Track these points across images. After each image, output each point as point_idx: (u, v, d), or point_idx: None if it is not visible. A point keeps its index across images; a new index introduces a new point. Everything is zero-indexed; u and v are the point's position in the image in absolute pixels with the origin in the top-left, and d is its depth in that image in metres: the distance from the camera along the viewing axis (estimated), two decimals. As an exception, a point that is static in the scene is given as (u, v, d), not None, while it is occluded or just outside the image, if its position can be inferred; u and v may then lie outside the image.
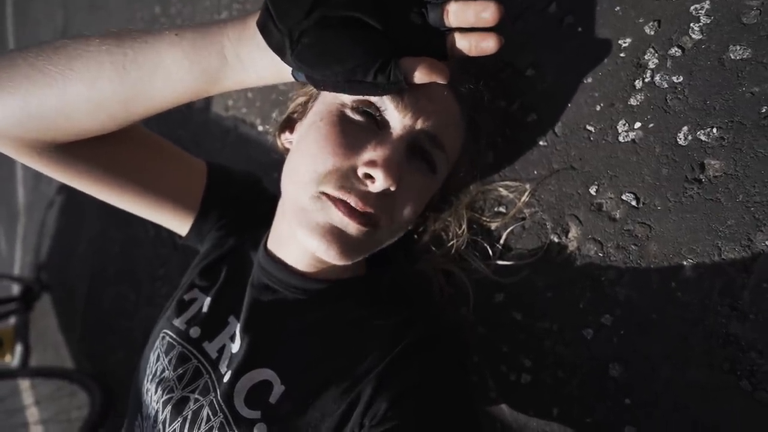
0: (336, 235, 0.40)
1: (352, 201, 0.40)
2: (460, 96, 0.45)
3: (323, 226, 0.40)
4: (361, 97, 0.41)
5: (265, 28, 0.34)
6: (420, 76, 0.34)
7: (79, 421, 1.37)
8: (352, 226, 0.40)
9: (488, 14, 0.33)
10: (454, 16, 0.34)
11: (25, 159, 0.45)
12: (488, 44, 0.35)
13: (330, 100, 0.43)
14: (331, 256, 0.41)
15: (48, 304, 1.93)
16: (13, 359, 2.06)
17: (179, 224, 0.56)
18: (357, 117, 0.41)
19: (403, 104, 0.40)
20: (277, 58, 0.34)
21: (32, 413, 1.88)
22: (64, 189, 1.85)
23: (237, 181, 0.59)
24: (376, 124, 0.41)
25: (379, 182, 0.39)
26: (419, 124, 0.41)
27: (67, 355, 1.67)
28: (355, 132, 0.41)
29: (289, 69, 0.36)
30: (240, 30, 0.36)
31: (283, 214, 0.49)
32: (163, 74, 0.37)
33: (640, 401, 0.42)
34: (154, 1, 1.28)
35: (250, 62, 0.36)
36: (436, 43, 0.36)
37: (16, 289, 2.19)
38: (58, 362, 1.70)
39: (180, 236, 0.58)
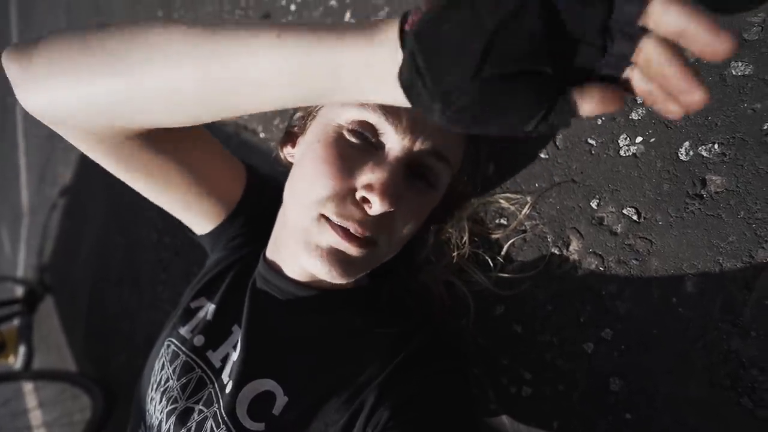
0: (336, 257, 0.41)
1: (351, 228, 0.40)
2: None
3: (324, 248, 0.41)
4: (359, 119, 0.41)
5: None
6: (591, 109, 0.25)
7: (81, 424, 1.37)
8: (351, 249, 0.41)
9: (697, 97, 0.24)
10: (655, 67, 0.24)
11: (83, 146, 0.43)
12: (695, 100, 0.24)
13: (327, 120, 0.43)
14: (333, 277, 0.41)
15: (51, 306, 1.93)
16: (17, 361, 2.07)
17: (203, 222, 0.55)
18: (354, 138, 0.42)
19: (402, 127, 0.40)
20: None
21: (36, 416, 1.89)
22: (68, 191, 1.85)
23: (269, 192, 0.58)
24: (374, 145, 0.42)
25: (376, 206, 0.39)
26: (418, 145, 0.41)
27: (70, 357, 1.68)
28: (353, 154, 0.41)
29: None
30: (368, 55, 0.27)
31: (283, 226, 0.50)
32: (255, 82, 0.31)
33: (640, 416, 0.42)
34: (156, 5, 1.28)
35: (372, 92, 0.29)
36: (611, 69, 0.25)
37: (19, 291, 2.20)
38: (61, 364, 1.71)
39: (193, 232, 0.57)
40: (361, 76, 0.28)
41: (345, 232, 0.40)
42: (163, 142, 0.45)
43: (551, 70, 0.24)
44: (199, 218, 0.54)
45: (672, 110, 0.25)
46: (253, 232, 0.57)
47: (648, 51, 0.23)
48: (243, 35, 0.30)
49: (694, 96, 0.24)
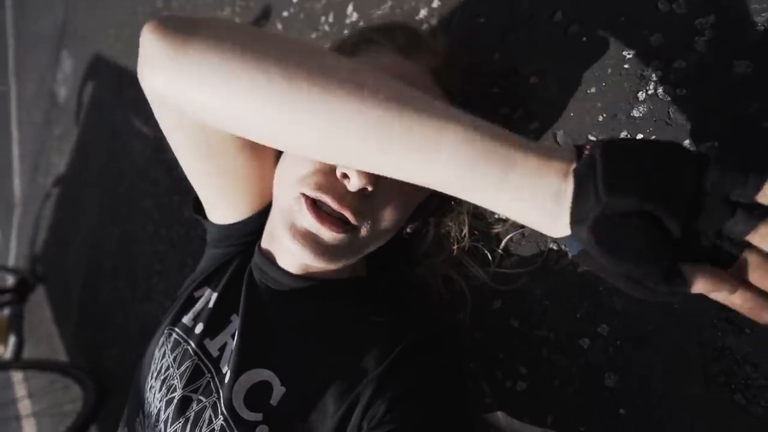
0: (310, 240, 0.41)
1: (328, 199, 0.40)
2: (454, 101, 0.45)
3: (299, 229, 0.42)
4: None
5: (582, 184, 0.27)
6: (703, 287, 0.27)
7: (72, 414, 1.36)
8: (324, 232, 0.41)
9: None
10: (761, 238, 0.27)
11: (172, 124, 0.41)
12: None
13: None
14: (307, 258, 0.42)
15: (43, 296, 1.92)
16: (6, 351, 2.05)
17: (229, 211, 0.52)
18: None
19: None
20: (554, 215, 0.29)
21: (24, 406, 1.87)
22: (61, 181, 1.84)
23: None
24: None
25: (354, 180, 0.39)
26: None
27: (61, 348, 1.66)
28: None
29: (557, 233, 0.30)
30: (540, 163, 0.29)
31: (273, 216, 0.50)
32: (425, 161, 0.30)
33: (634, 412, 0.42)
34: (156, -5, 1.27)
35: (526, 200, 0.29)
36: (724, 252, 0.28)
37: (10, 280, 2.18)
38: (52, 355, 1.70)
39: (202, 215, 0.55)
40: (522, 177, 0.29)
41: (319, 215, 0.41)
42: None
43: (679, 233, 0.27)
44: (227, 206, 0.52)
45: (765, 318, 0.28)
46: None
47: (747, 260, 0.27)
48: (430, 130, 0.30)
49: None
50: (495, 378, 0.52)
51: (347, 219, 0.41)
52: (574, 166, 0.29)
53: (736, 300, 0.28)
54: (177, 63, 0.32)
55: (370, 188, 0.40)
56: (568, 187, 0.28)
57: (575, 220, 0.28)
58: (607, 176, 0.27)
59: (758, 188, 0.26)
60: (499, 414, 0.52)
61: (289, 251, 0.43)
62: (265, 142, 0.35)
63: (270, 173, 0.49)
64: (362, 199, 0.41)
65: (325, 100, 0.30)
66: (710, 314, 0.39)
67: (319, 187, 0.40)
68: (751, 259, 0.27)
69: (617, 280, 0.29)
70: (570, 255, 0.31)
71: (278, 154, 0.50)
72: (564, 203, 0.29)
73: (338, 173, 0.40)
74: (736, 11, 0.39)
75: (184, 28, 0.32)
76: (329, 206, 0.41)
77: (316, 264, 0.43)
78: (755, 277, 0.27)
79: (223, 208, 0.53)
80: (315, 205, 0.41)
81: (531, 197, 0.29)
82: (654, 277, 0.27)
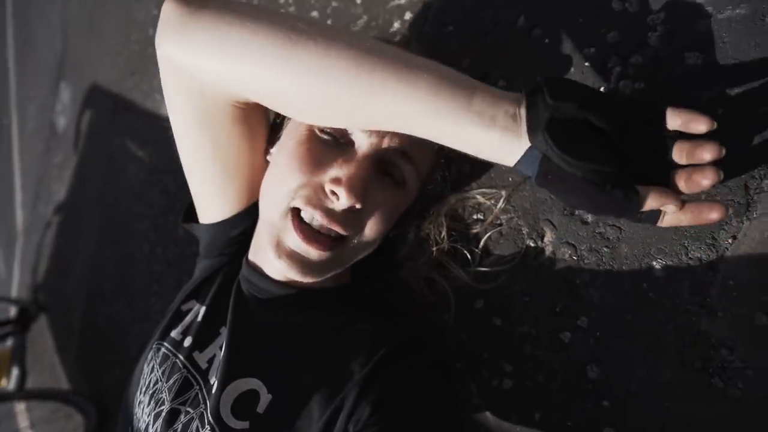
0: (296, 260, 0.42)
1: (318, 215, 0.41)
2: None
3: (286, 249, 0.43)
4: None
5: (532, 98, 0.35)
6: (654, 202, 0.34)
7: (73, 442, 1.35)
8: (312, 252, 0.42)
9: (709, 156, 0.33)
10: (689, 156, 0.34)
11: (183, 93, 0.43)
12: (707, 182, 0.33)
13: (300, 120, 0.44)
14: (294, 275, 0.43)
15: (44, 324, 1.92)
16: (9, 383, 2.04)
17: (219, 207, 0.53)
18: (325, 136, 0.43)
19: None
20: (512, 133, 0.34)
21: (27, 436, 1.85)
22: (62, 209, 1.86)
23: None
24: (345, 142, 0.43)
25: (343, 200, 0.40)
26: (386, 143, 0.43)
27: (63, 375, 1.66)
28: (323, 149, 0.43)
29: (517, 154, 0.35)
30: (497, 93, 0.36)
31: (260, 228, 0.50)
32: (401, 93, 0.35)
33: (617, 402, 0.42)
34: (148, 24, 1.32)
35: (487, 124, 0.35)
36: (658, 168, 0.35)
37: (13, 311, 2.18)
38: (54, 383, 1.69)
39: (194, 221, 0.56)
40: (484, 106, 0.35)
41: (306, 235, 0.41)
42: (251, 116, 0.46)
43: (617, 140, 0.34)
44: (216, 197, 0.52)
45: (707, 183, 0.33)
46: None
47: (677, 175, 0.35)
48: (405, 72, 0.35)
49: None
50: (481, 377, 0.52)
51: (335, 234, 0.42)
52: (523, 94, 0.36)
53: (682, 216, 0.34)
54: (188, 28, 0.37)
55: (358, 206, 0.41)
56: (522, 110, 0.35)
57: (531, 127, 0.34)
58: (550, 88, 0.34)
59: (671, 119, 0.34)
60: (488, 414, 0.51)
61: (276, 267, 0.44)
62: (263, 95, 0.39)
63: (260, 164, 0.50)
64: (350, 213, 0.42)
65: (325, 56, 0.35)
66: (684, 300, 0.40)
67: (308, 201, 0.41)
68: (680, 173, 0.34)
69: (577, 196, 0.35)
70: (532, 180, 0.36)
71: (269, 141, 0.50)
72: (520, 122, 0.34)
73: (327, 190, 0.41)
74: (684, 6, 0.41)
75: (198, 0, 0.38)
76: (318, 221, 0.42)
77: (302, 280, 0.43)
78: (688, 186, 0.34)
79: (212, 200, 0.53)
80: (302, 223, 0.42)
81: (491, 120, 0.35)
82: (609, 178, 0.33)
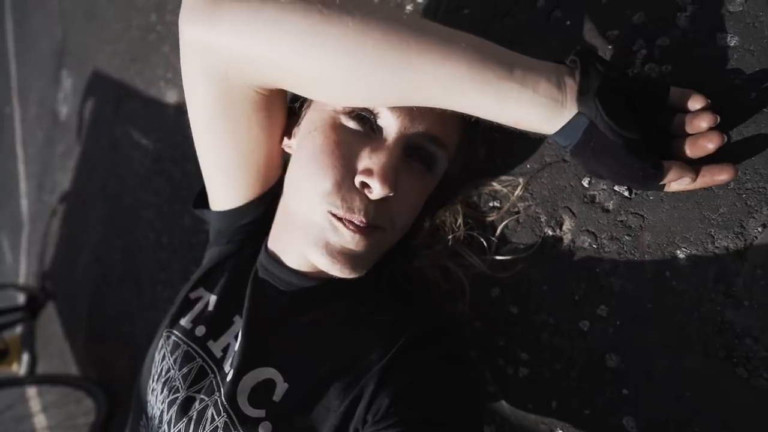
0: (346, 255, 0.42)
1: (357, 219, 0.41)
2: None
3: (334, 246, 0.42)
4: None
5: (585, 63, 0.35)
6: (674, 175, 0.36)
7: (85, 427, 1.37)
8: (360, 243, 0.41)
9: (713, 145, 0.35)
10: (689, 125, 0.36)
11: (206, 78, 0.42)
12: (711, 145, 0.36)
13: (322, 106, 0.43)
14: (343, 274, 0.42)
15: (53, 311, 1.94)
16: (21, 368, 2.07)
17: (231, 195, 0.52)
18: (351, 123, 0.42)
19: (399, 108, 0.40)
20: (556, 102, 0.35)
21: (39, 420, 1.89)
22: (66, 198, 1.86)
23: None
24: (372, 129, 0.42)
25: (377, 191, 0.39)
26: (415, 127, 0.41)
27: (72, 361, 1.68)
28: (351, 140, 0.41)
29: (561, 121, 0.35)
30: (535, 62, 0.36)
31: (285, 219, 0.49)
32: (441, 63, 0.35)
33: (637, 391, 0.42)
34: (149, 9, 1.29)
35: (529, 92, 0.35)
36: (660, 142, 0.37)
37: (21, 298, 2.20)
38: (64, 369, 1.71)
39: (205, 207, 0.55)
40: (527, 73, 0.35)
41: (356, 228, 0.41)
42: (271, 104, 0.44)
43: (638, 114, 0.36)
44: (232, 189, 0.51)
45: (711, 147, 0.36)
46: (266, 224, 0.55)
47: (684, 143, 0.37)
48: (438, 50, 0.34)
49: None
50: (497, 365, 0.52)
51: (374, 225, 0.42)
52: (562, 65, 0.37)
53: (695, 184, 0.37)
54: (215, 8, 0.36)
55: (391, 194, 0.40)
56: (567, 77, 0.35)
57: (583, 93, 0.34)
58: (597, 58, 0.36)
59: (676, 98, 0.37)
60: (504, 402, 0.51)
61: (321, 268, 0.43)
62: (293, 74, 0.38)
63: (276, 153, 0.49)
64: (383, 201, 0.42)
65: (353, 48, 0.34)
66: (708, 289, 0.39)
67: (348, 209, 0.41)
68: (685, 141, 0.37)
69: (611, 165, 0.36)
70: (568, 149, 0.37)
71: (286, 131, 0.49)
72: (565, 89, 0.35)
73: (357, 182, 0.40)
74: (717, -16, 0.39)
75: None
76: (357, 219, 0.41)
77: (348, 276, 0.43)
78: (693, 150, 0.36)
79: (226, 188, 0.52)
80: (347, 220, 0.41)
81: (533, 88, 0.35)
82: (643, 149, 0.35)
